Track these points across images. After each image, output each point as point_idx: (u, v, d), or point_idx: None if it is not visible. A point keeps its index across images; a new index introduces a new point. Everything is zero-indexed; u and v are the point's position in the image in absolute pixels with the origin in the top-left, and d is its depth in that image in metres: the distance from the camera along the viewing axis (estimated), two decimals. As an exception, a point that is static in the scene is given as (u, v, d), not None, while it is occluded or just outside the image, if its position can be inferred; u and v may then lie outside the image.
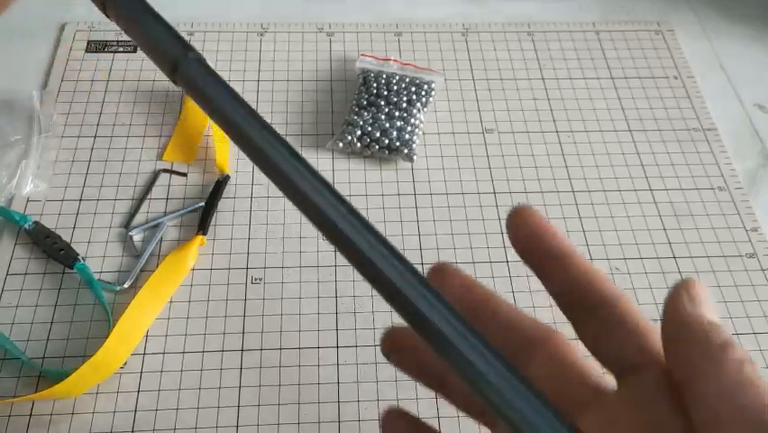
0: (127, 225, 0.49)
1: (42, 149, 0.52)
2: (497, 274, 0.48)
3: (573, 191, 0.53)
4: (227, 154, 0.53)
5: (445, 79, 0.60)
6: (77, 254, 0.47)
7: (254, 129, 0.22)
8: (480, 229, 0.50)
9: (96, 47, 0.60)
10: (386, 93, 0.55)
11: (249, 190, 0.52)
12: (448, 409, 0.42)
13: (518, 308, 0.24)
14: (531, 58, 0.62)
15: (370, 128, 0.53)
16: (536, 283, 0.51)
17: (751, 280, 0.49)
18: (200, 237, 0.48)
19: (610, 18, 0.67)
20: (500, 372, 0.19)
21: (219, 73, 0.23)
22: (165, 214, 0.50)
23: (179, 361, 0.43)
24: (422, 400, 0.42)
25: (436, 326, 0.20)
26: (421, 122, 0.55)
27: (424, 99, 0.56)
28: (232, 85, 0.23)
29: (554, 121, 0.58)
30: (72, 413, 0.41)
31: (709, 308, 0.20)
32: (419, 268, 0.48)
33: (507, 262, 0.49)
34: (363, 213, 0.22)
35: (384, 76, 0.56)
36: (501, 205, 0.52)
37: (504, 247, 0.49)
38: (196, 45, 0.60)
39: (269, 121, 0.22)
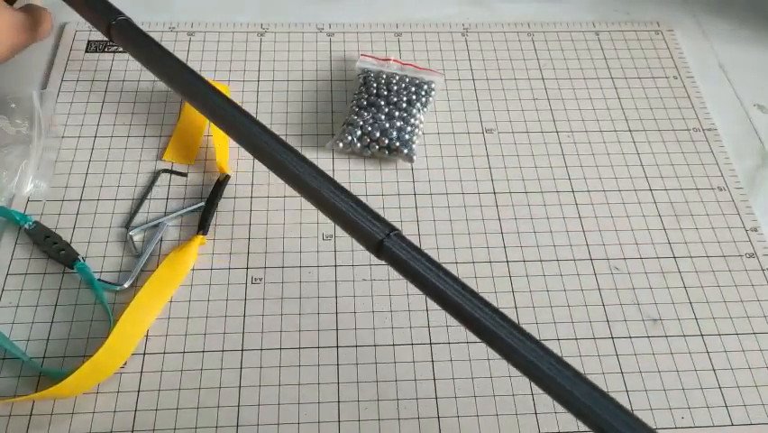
0: (127, 225, 0.49)
1: (43, 149, 0.52)
2: (496, 274, 0.48)
3: (573, 191, 0.53)
4: (227, 154, 0.53)
5: (445, 80, 0.60)
6: (78, 254, 0.47)
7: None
8: (479, 229, 0.50)
9: (96, 47, 0.60)
10: (386, 93, 0.55)
11: (249, 190, 0.52)
12: (448, 408, 0.42)
13: None
14: (531, 58, 0.63)
15: (370, 128, 0.53)
16: (536, 283, 0.51)
17: (751, 280, 0.49)
18: (200, 237, 0.48)
19: (610, 18, 0.67)
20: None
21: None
22: (165, 214, 0.50)
23: (179, 361, 0.43)
24: (421, 400, 0.42)
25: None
26: (421, 122, 0.55)
27: (424, 99, 0.56)
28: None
29: (554, 121, 0.58)
30: (72, 413, 0.41)
31: None
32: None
33: (507, 261, 0.49)
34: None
35: (384, 76, 0.57)
36: (501, 205, 0.52)
37: (504, 247, 0.49)
38: (197, 46, 0.60)
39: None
